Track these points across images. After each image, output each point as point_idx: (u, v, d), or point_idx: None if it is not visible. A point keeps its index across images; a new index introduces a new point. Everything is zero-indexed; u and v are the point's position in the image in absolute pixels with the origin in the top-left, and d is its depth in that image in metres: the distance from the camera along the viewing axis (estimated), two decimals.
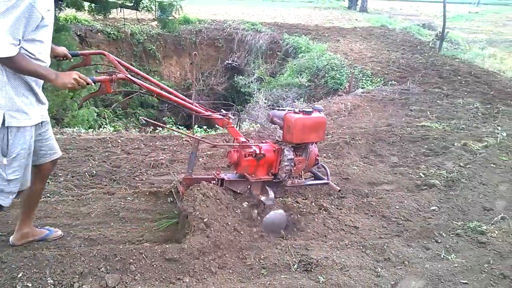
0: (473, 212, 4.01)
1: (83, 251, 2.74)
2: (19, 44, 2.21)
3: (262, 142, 3.49)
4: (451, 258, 3.20)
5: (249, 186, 3.39)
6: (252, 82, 12.16)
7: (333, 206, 3.85)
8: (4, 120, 2.28)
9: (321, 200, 3.94)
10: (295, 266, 2.89)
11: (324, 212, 3.68)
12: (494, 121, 6.86)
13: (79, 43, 10.95)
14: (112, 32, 12.12)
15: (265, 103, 9.69)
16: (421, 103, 7.76)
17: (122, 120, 10.41)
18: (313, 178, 3.82)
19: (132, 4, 10.93)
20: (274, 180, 3.44)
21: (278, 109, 3.43)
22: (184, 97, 3.16)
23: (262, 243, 3.12)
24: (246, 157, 3.23)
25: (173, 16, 11.62)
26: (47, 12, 2.33)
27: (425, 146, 5.57)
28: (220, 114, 3.20)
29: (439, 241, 3.43)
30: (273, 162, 3.35)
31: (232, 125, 3.25)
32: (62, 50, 2.86)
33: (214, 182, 3.32)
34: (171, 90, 3.22)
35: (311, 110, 3.32)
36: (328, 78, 10.01)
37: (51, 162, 2.87)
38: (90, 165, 4.56)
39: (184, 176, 3.37)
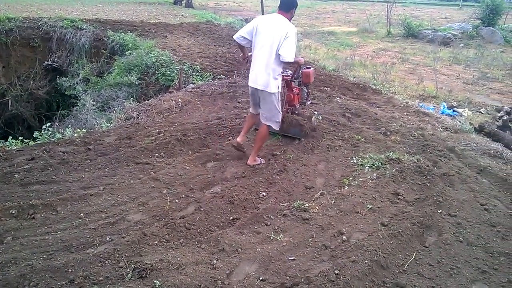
0: (297, 192, 4.37)
1: None
2: None
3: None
4: (280, 238, 3.44)
5: (291, 109, 5.92)
6: (77, 84, 11.18)
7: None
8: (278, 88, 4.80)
9: None
10: (129, 275, 2.77)
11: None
12: (310, 106, 7.54)
13: None
14: None
15: (93, 105, 9.01)
16: (247, 95, 8.01)
17: None
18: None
19: None
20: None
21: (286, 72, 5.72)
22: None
23: (92, 257, 2.93)
24: (296, 95, 5.82)
25: None
26: None
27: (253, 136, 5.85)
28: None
29: (269, 223, 3.66)
30: (299, 96, 5.98)
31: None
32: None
33: (288, 111, 5.83)
34: None
35: (310, 66, 6.33)
36: (159, 75, 9.81)
37: None
38: None
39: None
